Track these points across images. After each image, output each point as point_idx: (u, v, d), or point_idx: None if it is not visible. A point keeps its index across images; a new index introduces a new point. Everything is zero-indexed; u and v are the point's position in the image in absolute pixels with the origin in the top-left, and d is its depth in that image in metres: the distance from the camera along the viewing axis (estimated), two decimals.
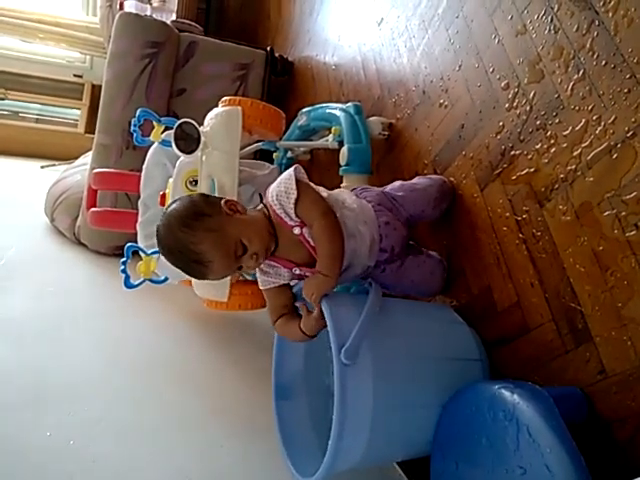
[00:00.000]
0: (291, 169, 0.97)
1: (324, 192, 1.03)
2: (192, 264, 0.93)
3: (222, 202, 0.96)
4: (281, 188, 0.95)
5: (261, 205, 1.01)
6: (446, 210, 1.17)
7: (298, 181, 0.95)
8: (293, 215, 0.95)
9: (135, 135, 1.36)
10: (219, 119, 1.28)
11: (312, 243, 0.96)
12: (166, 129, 1.36)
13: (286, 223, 0.96)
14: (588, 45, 0.86)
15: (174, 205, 0.97)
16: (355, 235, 1.00)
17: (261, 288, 1.05)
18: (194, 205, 0.95)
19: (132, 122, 1.34)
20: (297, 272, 0.99)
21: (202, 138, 1.26)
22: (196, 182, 1.31)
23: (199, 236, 0.91)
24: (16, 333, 1.42)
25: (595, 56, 0.85)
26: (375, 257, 1.05)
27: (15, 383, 1.23)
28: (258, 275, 1.04)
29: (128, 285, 1.26)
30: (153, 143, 1.41)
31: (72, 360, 1.35)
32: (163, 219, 0.96)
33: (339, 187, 1.38)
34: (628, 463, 0.76)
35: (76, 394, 1.22)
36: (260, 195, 1.04)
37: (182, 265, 0.94)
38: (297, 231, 0.96)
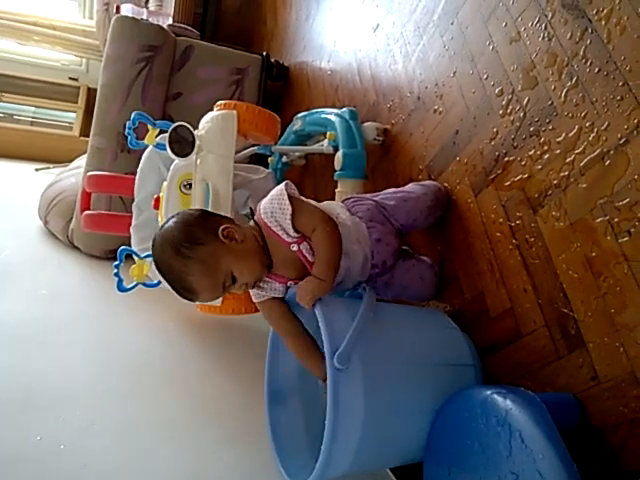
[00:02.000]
0: (281, 185, 0.97)
1: (316, 204, 1.03)
2: (180, 289, 0.94)
3: (220, 229, 0.94)
4: (274, 205, 0.95)
5: (252, 222, 1.00)
6: (440, 216, 1.17)
7: (290, 197, 0.95)
8: (291, 231, 0.94)
9: (129, 138, 1.36)
10: (214, 123, 1.28)
11: (310, 259, 0.96)
12: (161, 132, 1.36)
13: (283, 240, 0.95)
14: (581, 53, 0.87)
15: (170, 223, 0.95)
16: (348, 253, 1.00)
17: (255, 301, 1.05)
18: (190, 230, 0.93)
19: (127, 125, 1.34)
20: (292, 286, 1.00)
21: (197, 142, 1.26)
22: (190, 185, 1.31)
23: (190, 266, 0.91)
24: (7, 336, 1.41)
25: (588, 63, 0.85)
26: (367, 273, 1.05)
27: (5, 386, 1.21)
28: (252, 290, 1.03)
29: (121, 288, 1.25)
30: (147, 146, 1.41)
31: (63, 363, 1.34)
32: (158, 237, 0.95)
33: (334, 192, 1.39)
34: (620, 469, 0.77)
35: (67, 398, 1.21)
36: (251, 209, 1.03)
37: (172, 286, 0.95)
38: (294, 248, 0.96)
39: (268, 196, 0.98)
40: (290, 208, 0.94)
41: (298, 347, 1.02)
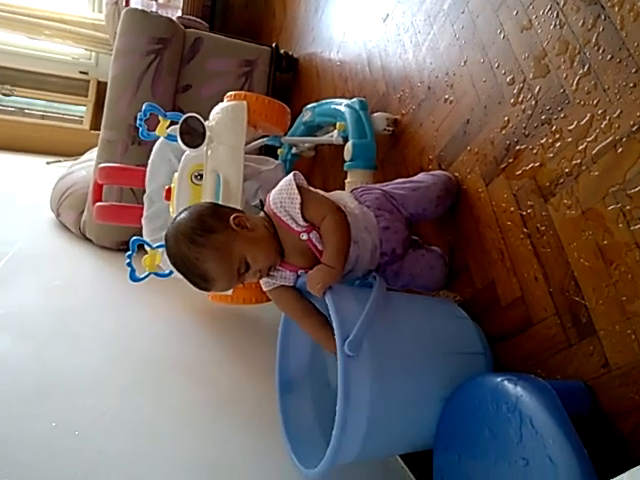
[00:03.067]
0: (290, 175, 0.98)
1: (324, 194, 1.04)
2: (196, 278, 0.95)
3: (231, 218, 0.95)
4: (283, 195, 0.96)
5: (262, 213, 1.02)
6: (450, 206, 1.17)
7: (299, 187, 0.96)
8: (300, 220, 0.95)
9: (141, 129, 1.37)
10: (224, 113, 1.29)
11: (319, 247, 0.97)
12: (171, 124, 1.37)
13: (292, 229, 0.96)
14: (594, 40, 0.86)
15: (183, 215, 0.97)
16: (357, 241, 1.00)
17: (265, 289, 1.06)
18: (202, 220, 0.95)
19: (138, 116, 1.35)
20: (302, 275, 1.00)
21: (207, 132, 1.26)
22: (201, 176, 1.32)
23: (205, 254, 0.92)
24: (21, 326, 1.43)
25: (601, 50, 0.85)
26: (377, 261, 1.06)
27: (21, 376, 1.23)
28: (262, 278, 1.04)
29: (133, 278, 1.27)
30: (158, 138, 1.42)
31: (77, 353, 1.36)
32: (172, 229, 0.97)
33: (344, 183, 1.39)
34: (631, 455, 0.77)
35: (81, 387, 1.23)
36: (261, 201, 1.04)
37: (186, 276, 0.96)
38: (304, 237, 0.96)
39: (277, 187, 0.99)
40: (299, 198, 0.95)
41: (314, 326, 1.01)
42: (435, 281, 1.15)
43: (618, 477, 0.50)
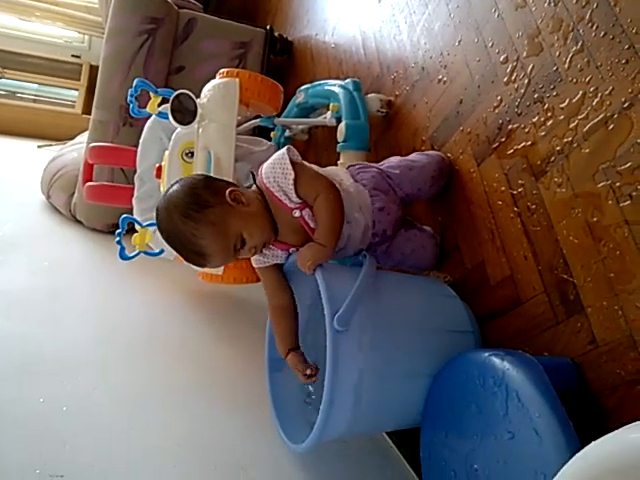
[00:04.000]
0: (283, 149, 0.95)
1: (319, 170, 1.03)
2: (191, 254, 0.93)
3: (227, 192, 0.93)
4: (277, 169, 0.94)
5: (254, 186, 0.99)
6: (443, 187, 1.17)
7: (293, 162, 0.94)
8: (293, 196, 0.94)
9: (131, 106, 1.35)
10: (216, 91, 1.28)
11: (312, 225, 0.95)
12: (163, 101, 1.35)
13: (285, 205, 0.94)
14: (587, 17, 0.85)
15: (175, 188, 0.94)
16: (350, 221, 1.00)
17: (255, 266, 1.05)
18: (197, 193, 0.92)
19: (129, 92, 1.33)
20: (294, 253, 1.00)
21: (199, 110, 1.25)
22: (192, 154, 1.31)
23: (201, 230, 0.89)
24: (10, 305, 1.42)
25: (594, 27, 0.84)
26: (367, 241, 1.05)
27: (8, 353, 1.22)
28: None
29: (123, 256, 1.26)
30: (150, 115, 1.41)
31: (66, 332, 1.35)
32: (163, 202, 0.93)
33: (336, 165, 1.38)
34: (615, 428, 0.77)
35: (69, 364, 1.22)
36: (252, 174, 1.01)
37: (181, 252, 0.94)
38: (297, 214, 0.95)
39: (269, 160, 0.96)
40: (292, 173, 0.92)
41: (278, 320, 1.05)
42: (426, 261, 1.15)
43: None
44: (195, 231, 0.89)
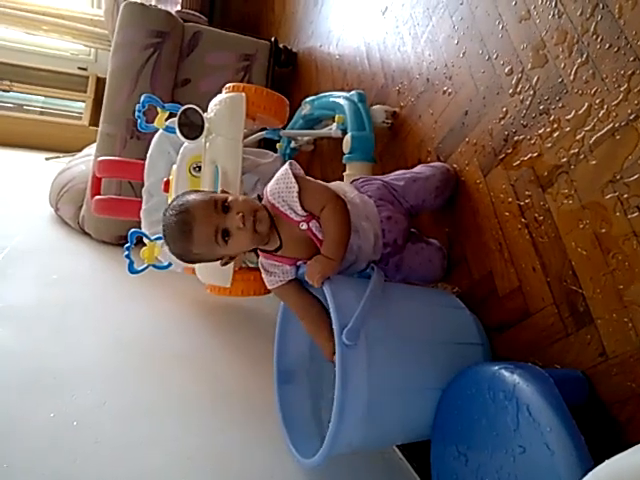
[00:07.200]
0: (285, 165, 0.96)
1: (322, 183, 1.03)
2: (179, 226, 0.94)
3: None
4: (280, 185, 0.95)
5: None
6: (449, 198, 1.17)
7: (296, 176, 0.95)
8: (299, 209, 0.94)
9: (139, 121, 1.36)
10: (223, 105, 1.29)
11: (320, 236, 0.96)
12: (170, 116, 1.36)
13: (292, 219, 0.95)
14: (592, 29, 0.86)
15: (193, 196, 0.96)
16: (358, 230, 1.00)
17: (270, 288, 1.06)
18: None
19: (136, 108, 1.34)
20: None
21: (206, 124, 1.26)
22: (200, 168, 1.32)
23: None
24: (20, 319, 1.43)
25: (599, 39, 0.85)
26: (380, 252, 1.05)
27: (18, 367, 1.23)
28: (265, 277, 1.05)
29: (132, 270, 1.27)
30: (157, 130, 1.42)
31: (75, 345, 1.36)
32: (187, 206, 0.94)
33: (342, 176, 1.39)
34: (628, 443, 0.77)
35: (79, 378, 1.23)
36: (258, 196, 1.02)
37: (171, 234, 0.96)
38: (304, 226, 0.95)
39: (274, 178, 0.98)
40: (296, 186, 0.94)
41: (316, 329, 1.00)
42: (433, 274, 1.15)
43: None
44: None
